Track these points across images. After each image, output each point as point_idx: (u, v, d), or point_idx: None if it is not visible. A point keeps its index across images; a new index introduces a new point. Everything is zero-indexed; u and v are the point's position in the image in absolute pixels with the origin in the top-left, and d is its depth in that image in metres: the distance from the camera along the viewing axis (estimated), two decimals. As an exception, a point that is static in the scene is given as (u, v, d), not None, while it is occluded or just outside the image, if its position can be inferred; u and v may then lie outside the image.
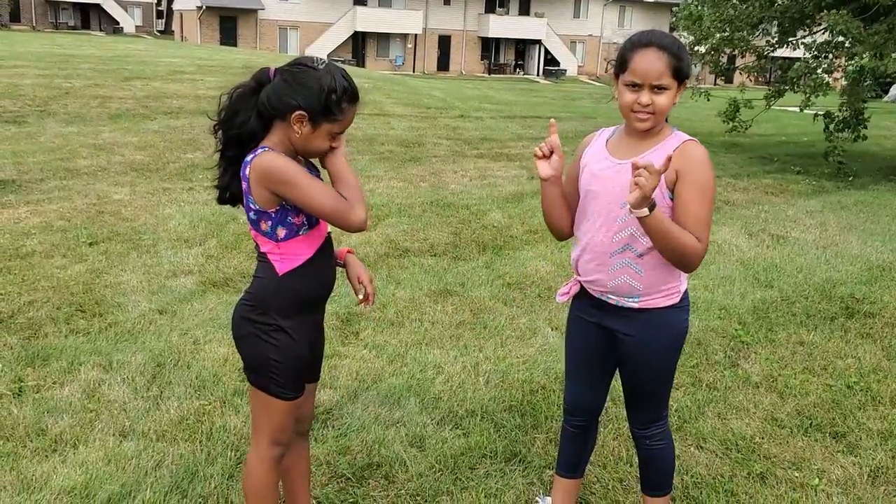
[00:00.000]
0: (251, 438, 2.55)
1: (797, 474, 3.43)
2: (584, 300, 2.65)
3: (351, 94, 2.29)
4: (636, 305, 2.51)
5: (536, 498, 3.12)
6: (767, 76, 13.67)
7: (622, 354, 2.62)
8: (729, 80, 51.38)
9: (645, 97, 2.37)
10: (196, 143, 10.38)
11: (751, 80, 15.06)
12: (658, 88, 2.36)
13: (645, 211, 2.26)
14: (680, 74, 2.37)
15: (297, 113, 2.25)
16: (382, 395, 3.92)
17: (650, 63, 2.35)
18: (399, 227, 7.20)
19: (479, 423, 3.69)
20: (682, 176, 2.37)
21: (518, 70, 56.53)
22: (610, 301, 2.57)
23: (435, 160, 11.05)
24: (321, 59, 2.33)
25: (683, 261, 2.40)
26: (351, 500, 3.08)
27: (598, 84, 48.55)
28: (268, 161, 2.24)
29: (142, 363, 4.10)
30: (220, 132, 2.38)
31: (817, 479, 3.39)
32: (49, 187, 7.65)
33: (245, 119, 2.31)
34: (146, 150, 9.68)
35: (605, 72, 50.00)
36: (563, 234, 2.71)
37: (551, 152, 2.55)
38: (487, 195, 8.90)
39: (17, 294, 4.94)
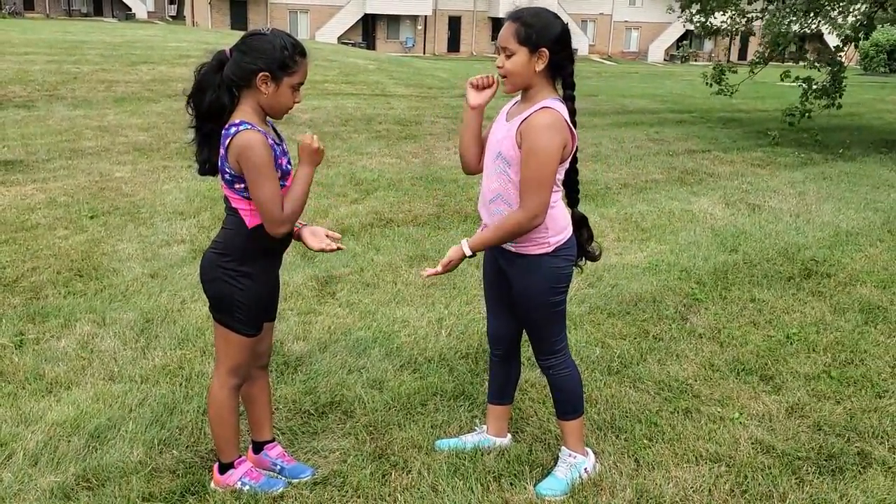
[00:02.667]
0: (214, 368, 2.92)
1: (720, 410, 3.77)
2: None
3: (300, 49, 2.67)
4: (513, 249, 2.90)
5: (475, 427, 3.48)
6: (780, 53, 13.80)
7: (509, 293, 2.99)
8: (742, 58, 51.37)
9: (499, 59, 2.77)
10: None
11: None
12: (506, 52, 2.73)
13: (469, 252, 2.84)
14: (528, 41, 2.70)
15: (261, 74, 2.61)
16: (350, 345, 4.29)
17: (503, 31, 2.76)
18: (386, 199, 7.55)
19: (436, 368, 4.05)
20: (523, 140, 2.74)
21: (528, 50, 56.46)
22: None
23: (430, 138, 11.38)
24: (267, 27, 2.72)
25: (520, 234, 2.81)
26: (312, 431, 3.45)
27: (608, 63, 48.60)
28: (248, 142, 2.58)
29: (132, 319, 4.49)
30: (191, 108, 2.73)
31: (737, 414, 3.73)
32: (55, 167, 8.06)
33: (213, 97, 2.67)
34: (149, 132, 10.08)
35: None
36: (470, 164, 3.07)
37: (486, 87, 2.95)
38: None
39: (21, 261, 5.35)
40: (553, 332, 3.04)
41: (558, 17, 2.78)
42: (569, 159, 2.84)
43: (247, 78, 2.62)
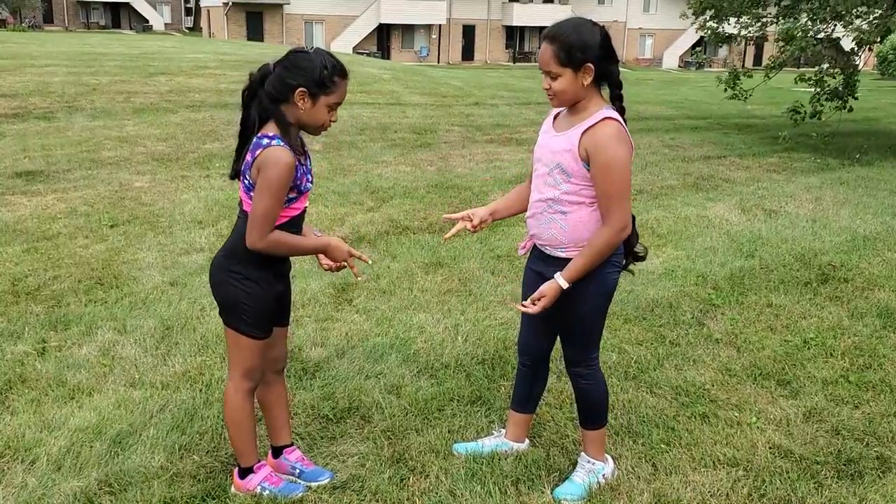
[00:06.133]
0: (228, 372, 2.96)
1: (737, 414, 3.77)
2: (534, 252, 3.09)
3: (340, 70, 2.73)
4: (563, 255, 2.91)
5: (493, 430, 3.50)
6: (797, 60, 13.71)
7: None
8: (758, 63, 51.15)
9: (544, 82, 2.80)
10: (216, 133, 10.85)
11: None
12: (551, 75, 2.75)
13: (566, 285, 2.81)
14: (570, 62, 2.71)
15: (299, 90, 2.67)
16: (368, 351, 4.32)
17: (541, 55, 2.78)
18: (402, 207, 7.59)
19: (452, 374, 4.07)
20: (590, 157, 2.75)
21: (543, 58, 56.53)
22: (546, 251, 2.97)
23: (445, 146, 11.42)
24: (311, 46, 2.80)
25: (612, 250, 2.83)
26: (330, 436, 3.49)
27: (623, 70, 48.13)
28: (277, 160, 2.63)
29: (152, 327, 4.54)
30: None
31: (755, 418, 3.73)
32: (75, 177, 8.16)
33: (256, 109, 2.73)
34: (167, 142, 10.18)
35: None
36: (521, 210, 3.15)
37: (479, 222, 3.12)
38: (492, 177, 9.26)
39: (43, 270, 5.42)
40: (589, 342, 3.06)
41: (595, 26, 2.75)
42: None
43: (285, 93, 2.68)
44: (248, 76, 2.76)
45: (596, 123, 2.75)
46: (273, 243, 2.72)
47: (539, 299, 2.83)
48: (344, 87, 2.74)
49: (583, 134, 2.76)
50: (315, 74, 2.65)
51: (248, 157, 2.69)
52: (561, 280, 2.82)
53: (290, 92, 2.66)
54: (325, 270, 2.99)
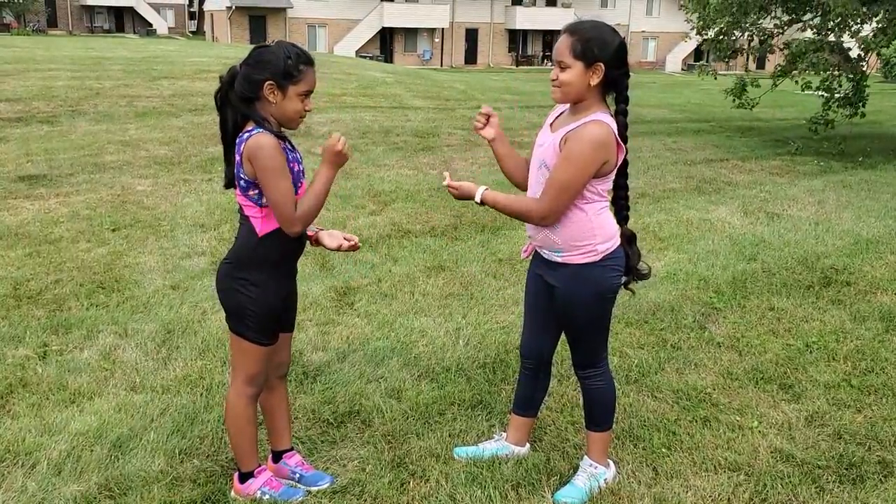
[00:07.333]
0: (230, 378, 2.96)
1: (738, 419, 3.76)
2: (536, 256, 3.09)
3: (304, 58, 2.73)
4: (560, 259, 2.91)
5: (494, 434, 3.50)
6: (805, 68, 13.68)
7: (554, 304, 3.00)
8: (761, 66, 51.07)
9: (553, 73, 2.78)
10: (218, 137, 10.84)
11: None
12: (561, 65, 2.74)
13: (478, 199, 2.87)
14: (584, 56, 2.70)
15: (267, 84, 2.68)
16: (369, 355, 4.32)
17: (558, 44, 2.77)
18: (404, 211, 7.59)
19: (454, 378, 4.07)
20: (564, 145, 2.76)
21: (546, 61, 56.57)
22: (544, 254, 2.97)
23: (447, 149, 11.42)
24: (273, 40, 2.80)
25: (520, 218, 2.91)
26: (330, 440, 3.48)
27: (625, 73, 48.14)
28: (259, 143, 2.64)
29: (154, 331, 4.54)
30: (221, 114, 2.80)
31: (756, 423, 3.72)
32: (77, 181, 8.17)
33: (232, 113, 2.75)
34: (170, 146, 10.19)
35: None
36: (519, 182, 3.11)
37: (487, 119, 3.03)
38: (493, 181, 9.22)
39: (45, 274, 5.43)
40: (595, 344, 3.05)
41: (616, 32, 2.76)
42: (613, 173, 2.83)
43: (254, 89, 2.69)
44: (219, 79, 2.77)
45: (586, 123, 2.74)
46: (306, 214, 2.71)
47: (454, 183, 2.90)
48: (311, 75, 2.74)
49: (569, 131, 2.76)
50: (280, 65, 2.66)
51: (237, 157, 2.70)
52: (479, 194, 2.87)
53: (258, 88, 2.67)
54: (334, 250, 2.96)
